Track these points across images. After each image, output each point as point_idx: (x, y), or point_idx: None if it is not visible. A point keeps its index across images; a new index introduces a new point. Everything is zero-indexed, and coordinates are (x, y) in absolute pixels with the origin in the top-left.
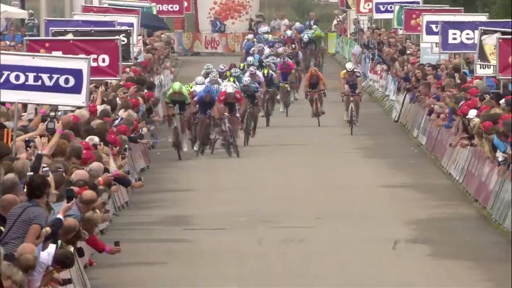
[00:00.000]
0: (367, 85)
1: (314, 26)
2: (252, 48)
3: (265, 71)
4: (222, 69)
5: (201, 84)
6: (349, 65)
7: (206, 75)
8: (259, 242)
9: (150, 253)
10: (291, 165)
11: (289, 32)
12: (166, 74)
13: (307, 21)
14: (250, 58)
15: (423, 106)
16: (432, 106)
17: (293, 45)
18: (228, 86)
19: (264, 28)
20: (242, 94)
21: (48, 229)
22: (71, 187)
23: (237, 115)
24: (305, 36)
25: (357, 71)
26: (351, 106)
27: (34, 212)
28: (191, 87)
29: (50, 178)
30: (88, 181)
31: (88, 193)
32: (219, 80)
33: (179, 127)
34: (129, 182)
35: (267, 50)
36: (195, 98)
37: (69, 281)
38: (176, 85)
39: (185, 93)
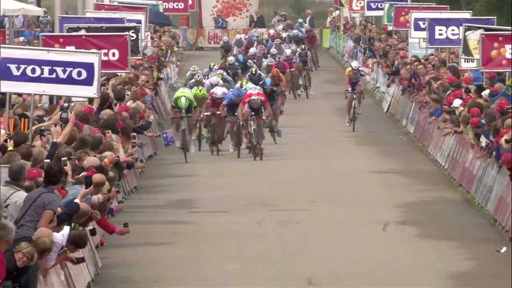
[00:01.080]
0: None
1: (305, 25)
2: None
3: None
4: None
5: (218, 85)
6: (355, 64)
7: (192, 76)
8: (258, 224)
9: (156, 234)
10: (288, 154)
11: (272, 31)
12: (172, 67)
13: (299, 19)
14: (230, 58)
15: (418, 100)
16: (424, 101)
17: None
18: (252, 91)
19: (279, 27)
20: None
21: (58, 209)
22: (90, 175)
23: (263, 117)
24: (297, 33)
25: (362, 70)
26: (354, 103)
27: (48, 198)
28: (200, 91)
29: (68, 167)
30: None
31: (97, 176)
32: (204, 81)
33: (186, 130)
34: (133, 164)
35: (252, 50)
36: (224, 102)
37: (82, 259)
38: (183, 101)
39: (192, 98)
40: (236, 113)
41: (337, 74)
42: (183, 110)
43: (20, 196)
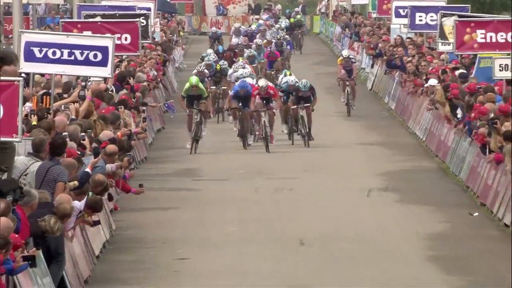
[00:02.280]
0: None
1: (298, 16)
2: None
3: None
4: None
5: (239, 71)
6: (345, 52)
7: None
8: (256, 191)
9: (165, 200)
10: (281, 128)
11: (237, 24)
12: (178, 50)
13: (296, 8)
14: (209, 50)
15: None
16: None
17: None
18: (261, 80)
19: (264, 16)
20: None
21: (75, 182)
22: (97, 146)
23: (274, 110)
24: (283, 23)
25: (352, 57)
26: (347, 90)
27: (56, 171)
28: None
29: (86, 142)
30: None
31: (110, 147)
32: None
33: (201, 120)
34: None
35: (234, 40)
36: (231, 93)
37: (98, 222)
38: (193, 79)
39: (202, 87)
40: (244, 106)
41: (326, 56)
42: (195, 100)
43: (37, 166)
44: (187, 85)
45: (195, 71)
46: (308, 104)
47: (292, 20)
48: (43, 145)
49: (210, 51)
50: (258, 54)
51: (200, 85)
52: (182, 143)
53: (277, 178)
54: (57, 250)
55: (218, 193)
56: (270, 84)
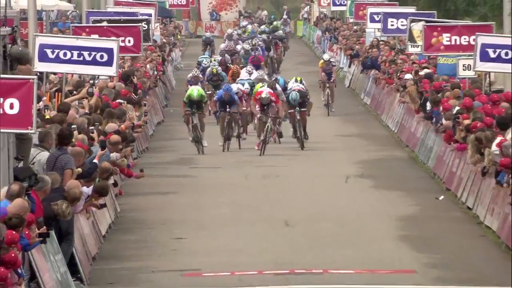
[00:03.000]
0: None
1: (275, 22)
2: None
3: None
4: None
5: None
6: (326, 56)
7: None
8: (246, 177)
9: (164, 185)
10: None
11: (229, 30)
12: (176, 51)
13: (284, 16)
14: (205, 56)
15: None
16: (380, 77)
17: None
18: (264, 91)
19: (243, 23)
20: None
21: (79, 169)
22: (104, 140)
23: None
24: (264, 29)
25: (332, 61)
26: (328, 92)
27: (64, 159)
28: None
29: (95, 134)
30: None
31: (114, 137)
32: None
33: (198, 125)
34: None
35: (222, 45)
36: (215, 98)
37: (104, 205)
38: (194, 91)
39: (203, 93)
40: (226, 109)
41: (308, 57)
42: (194, 105)
43: (43, 155)
44: (189, 92)
45: (190, 75)
46: (304, 109)
47: (267, 26)
48: (47, 136)
49: (206, 55)
50: (245, 59)
51: (202, 93)
52: (180, 135)
53: (265, 166)
54: (67, 231)
55: (212, 180)
56: (271, 90)
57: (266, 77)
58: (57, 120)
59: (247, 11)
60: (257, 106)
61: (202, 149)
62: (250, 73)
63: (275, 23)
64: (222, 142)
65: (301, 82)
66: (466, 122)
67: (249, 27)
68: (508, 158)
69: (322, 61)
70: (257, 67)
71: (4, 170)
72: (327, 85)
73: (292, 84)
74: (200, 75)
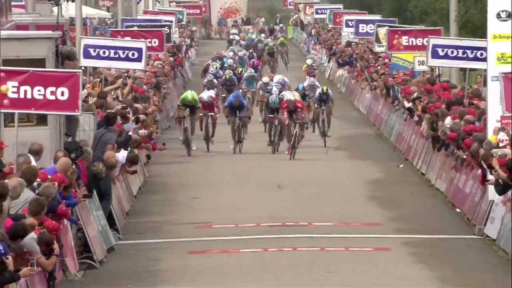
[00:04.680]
0: (311, 57)
1: (280, 37)
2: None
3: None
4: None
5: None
6: (309, 61)
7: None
8: (242, 152)
9: (182, 156)
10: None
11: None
12: (192, 51)
13: (271, 24)
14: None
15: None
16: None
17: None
18: (288, 94)
19: (233, 31)
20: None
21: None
22: (138, 116)
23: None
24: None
25: (314, 66)
26: (322, 118)
27: (108, 136)
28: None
29: (130, 115)
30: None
31: (142, 116)
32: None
33: (189, 128)
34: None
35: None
36: (226, 103)
37: (135, 171)
38: (189, 94)
39: (196, 99)
40: (236, 114)
41: (296, 55)
42: (188, 108)
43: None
44: (183, 95)
45: (206, 80)
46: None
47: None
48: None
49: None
50: (242, 65)
51: (195, 97)
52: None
53: (260, 141)
54: (106, 191)
55: (218, 154)
56: (298, 97)
57: (317, 83)
58: (98, 105)
59: (235, 21)
60: (285, 114)
61: (190, 151)
62: (312, 85)
63: (280, 39)
64: (233, 145)
65: (326, 92)
66: (421, 105)
67: (251, 33)
68: (455, 133)
69: (306, 65)
70: (255, 70)
71: (57, 144)
72: (323, 108)
73: (317, 95)
74: (215, 80)
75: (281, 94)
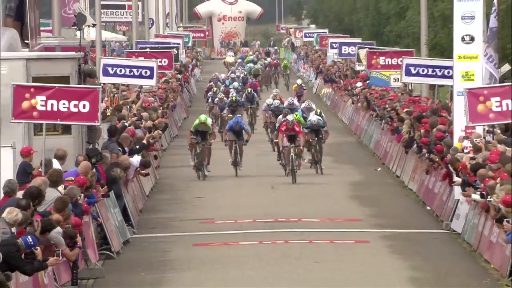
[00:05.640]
0: (300, 75)
1: (284, 60)
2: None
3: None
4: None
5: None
6: (299, 81)
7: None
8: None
9: (189, 161)
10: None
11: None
12: (197, 70)
13: (266, 47)
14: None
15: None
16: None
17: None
18: (289, 116)
19: (230, 53)
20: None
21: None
22: (150, 127)
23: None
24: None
25: (303, 86)
26: (313, 152)
27: (111, 146)
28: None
29: (143, 124)
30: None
31: (148, 123)
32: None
33: (201, 154)
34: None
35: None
36: (227, 127)
37: (148, 174)
38: (202, 117)
39: (209, 124)
40: (234, 139)
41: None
42: (199, 135)
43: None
44: (196, 122)
45: (217, 99)
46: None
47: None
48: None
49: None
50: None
51: (208, 122)
52: None
53: (257, 148)
54: (118, 193)
55: (221, 158)
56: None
57: (313, 105)
58: (118, 117)
59: (230, 43)
60: (284, 139)
61: (203, 176)
62: (290, 103)
63: (284, 62)
64: (233, 168)
65: (320, 114)
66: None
67: (250, 56)
68: (427, 138)
69: (296, 85)
70: (256, 91)
71: (79, 150)
72: (314, 143)
73: (312, 117)
74: (225, 98)
75: (308, 120)
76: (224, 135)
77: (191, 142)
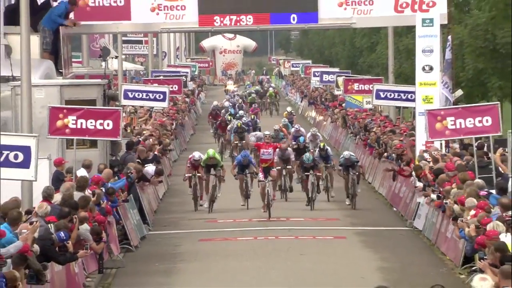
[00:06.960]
0: (289, 99)
1: (271, 88)
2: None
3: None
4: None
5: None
6: (289, 109)
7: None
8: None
9: None
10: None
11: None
12: (202, 94)
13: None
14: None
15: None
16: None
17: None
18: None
19: (229, 82)
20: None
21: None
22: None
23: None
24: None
25: (293, 112)
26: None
27: (129, 158)
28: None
29: (153, 142)
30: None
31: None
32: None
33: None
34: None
35: (226, 103)
36: (235, 162)
37: (161, 181)
38: (210, 152)
39: (218, 158)
40: (244, 172)
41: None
42: (211, 168)
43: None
44: (205, 156)
45: (235, 126)
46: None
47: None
48: (118, 145)
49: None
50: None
51: (217, 156)
52: (206, 140)
53: None
54: (135, 197)
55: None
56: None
57: (318, 132)
58: (134, 133)
59: (227, 73)
60: (260, 174)
61: (199, 206)
62: (297, 130)
63: (270, 91)
64: (243, 202)
65: (324, 147)
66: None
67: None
68: (401, 144)
69: (286, 112)
70: (256, 116)
71: (104, 161)
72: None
73: (344, 153)
74: (244, 126)
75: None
76: (232, 171)
77: (188, 172)
